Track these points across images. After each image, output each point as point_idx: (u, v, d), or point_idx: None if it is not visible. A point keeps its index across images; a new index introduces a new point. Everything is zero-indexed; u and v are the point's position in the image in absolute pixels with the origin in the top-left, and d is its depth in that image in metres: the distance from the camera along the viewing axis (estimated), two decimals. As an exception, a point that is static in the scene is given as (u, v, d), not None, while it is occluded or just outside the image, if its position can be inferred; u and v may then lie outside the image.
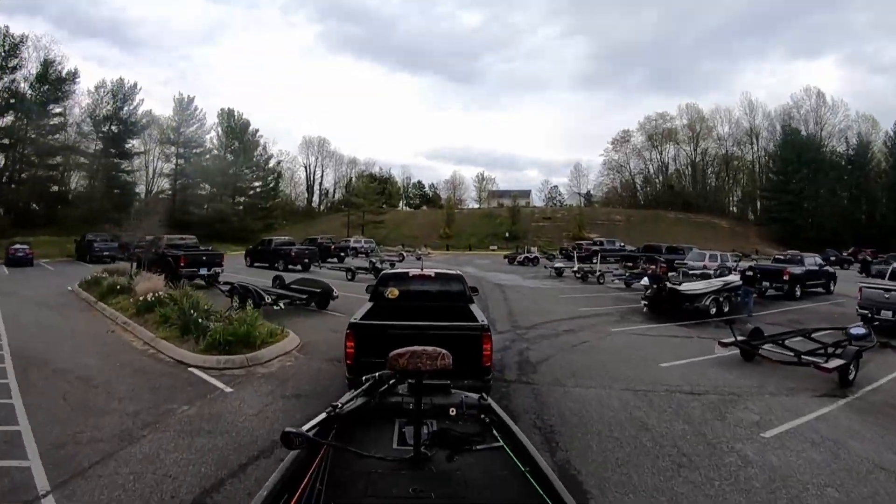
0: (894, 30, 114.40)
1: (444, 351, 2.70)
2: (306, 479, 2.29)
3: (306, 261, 33.59)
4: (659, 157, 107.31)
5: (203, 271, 23.99)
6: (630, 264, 36.31)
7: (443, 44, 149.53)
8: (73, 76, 61.46)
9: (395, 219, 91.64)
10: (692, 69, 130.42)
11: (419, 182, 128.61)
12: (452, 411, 2.73)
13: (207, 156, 77.61)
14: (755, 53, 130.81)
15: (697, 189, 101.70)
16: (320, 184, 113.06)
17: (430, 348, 2.70)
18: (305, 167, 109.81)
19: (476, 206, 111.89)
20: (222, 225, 68.77)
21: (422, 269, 10.98)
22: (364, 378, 2.97)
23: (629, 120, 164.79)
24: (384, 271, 12.50)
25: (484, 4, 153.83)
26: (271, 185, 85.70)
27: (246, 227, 70.78)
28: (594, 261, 41.56)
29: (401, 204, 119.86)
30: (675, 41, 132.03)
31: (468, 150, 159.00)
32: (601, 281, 29.63)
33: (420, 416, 2.64)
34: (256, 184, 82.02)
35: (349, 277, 28.25)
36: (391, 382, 2.89)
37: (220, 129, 79.19)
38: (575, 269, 32.12)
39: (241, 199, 78.15)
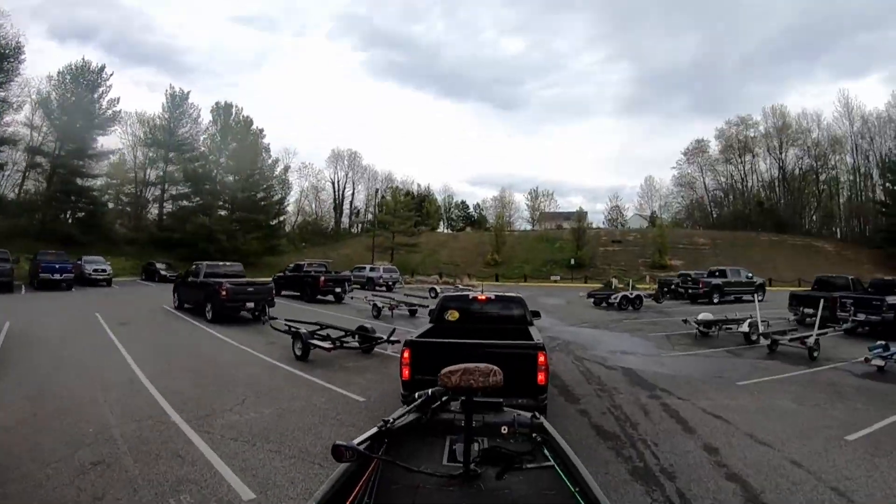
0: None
1: (495, 368, 2.70)
2: (355, 492, 2.28)
3: (250, 305, 18.74)
4: (742, 169, 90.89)
5: None
6: (810, 310, 20.46)
7: (486, 71, 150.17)
8: (16, 52, 47.49)
9: (432, 241, 77.28)
10: (736, 93, 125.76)
11: (462, 202, 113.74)
12: (504, 429, 2.88)
13: (200, 162, 63.59)
14: (799, 75, 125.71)
15: (788, 207, 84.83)
16: (351, 202, 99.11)
17: (482, 365, 2.70)
18: (333, 183, 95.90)
19: (529, 227, 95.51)
20: (209, 245, 54.67)
21: (482, 292, 10.95)
22: (417, 394, 2.95)
23: (674, 145, 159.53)
24: (444, 294, 11.43)
25: (527, 31, 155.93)
26: (276, 198, 70.62)
27: (239, 247, 56.19)
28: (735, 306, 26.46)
29: (441, 226, 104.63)
30: (717, 65, 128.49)
31: (512, 176, 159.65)
32: (814, 355, 14.30)
33: (471, 432, 2.63)
34: (259, 195, 66.98)
35: (298, 352, 12.88)
36: (444, 399, 2.91)
37: (214, 126, 65.30)
38: (759, 328, 16.51)
39: (238, 214, 63.28)
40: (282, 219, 73.77)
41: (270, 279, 25.81)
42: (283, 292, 30.57)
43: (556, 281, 54.99)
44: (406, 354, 7.47)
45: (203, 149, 65.07)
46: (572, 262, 62.93)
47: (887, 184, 72.65)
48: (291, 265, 31.19)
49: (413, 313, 22.57)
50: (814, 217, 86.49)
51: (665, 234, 66.31)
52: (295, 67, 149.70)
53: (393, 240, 66.85)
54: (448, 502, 2.31)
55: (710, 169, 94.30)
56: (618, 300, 27.69)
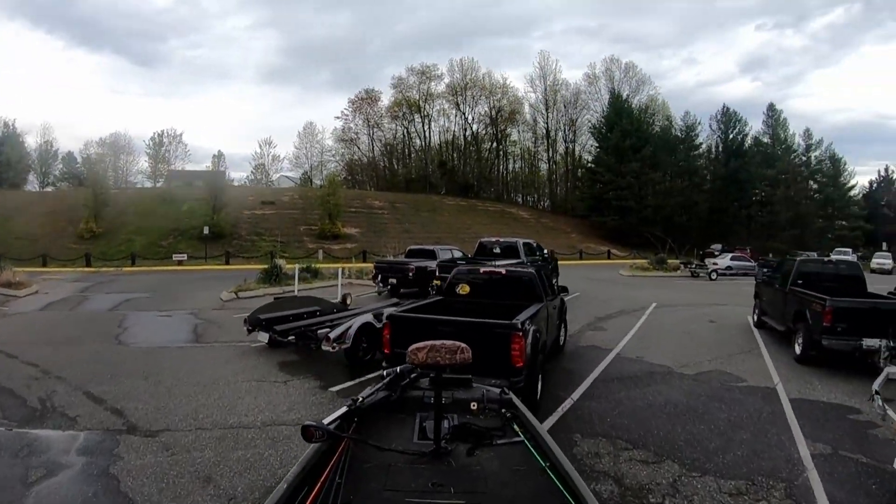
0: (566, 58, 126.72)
1: (462, 345, 2.67)
2: (326, 473, 2.24)
3: None
4: (423, 125, 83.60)
5: None
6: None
7: (125, 21, 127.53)
8: None
9: (6, 204, 52.84)
10: (379, 73, 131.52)
11: (69, 153, 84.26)
12: (473, 406, 2.84)
13: None
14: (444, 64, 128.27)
15: (474, 169, 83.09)
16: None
17: (448, 342, 2.67)
18: None
19: (150, 185, 73.68)
20: None
21: (494, 265, 10.90)
22: (385, 372, 3.00)
23: (317, 115, 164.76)
24: (458, 267, 11.02)
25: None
26: None
27: None
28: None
29: (34, 183, 77.28)
30: (365, 45, 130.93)
31: (146, 139, 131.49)
32: None
33: (440, 409, 2.59)
34: None
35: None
36: (413, 376, 2.92)
37: None
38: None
39: None
40: None
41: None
42: None
43: (181, 262, 37.93)
44: (386, 329, 7.51)
45: None
46: (206, 230, 45.27)
47: (598, 152, 73.54)
48: None
49: None
50: (502, 182, 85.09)
51: (338, 193, 52.81)
52: None
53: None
54: (419, 480, 2.27)
55: (375, 124, 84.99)
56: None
